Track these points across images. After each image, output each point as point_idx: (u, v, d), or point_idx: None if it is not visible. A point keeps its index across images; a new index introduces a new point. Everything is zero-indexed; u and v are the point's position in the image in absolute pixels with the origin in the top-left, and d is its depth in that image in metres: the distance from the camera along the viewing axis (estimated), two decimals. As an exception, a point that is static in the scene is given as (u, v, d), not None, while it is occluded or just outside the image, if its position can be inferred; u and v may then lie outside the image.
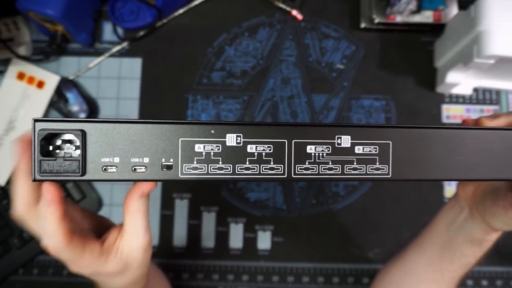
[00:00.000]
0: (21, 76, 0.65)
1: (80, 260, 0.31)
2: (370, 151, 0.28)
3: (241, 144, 0.27)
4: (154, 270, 0.51)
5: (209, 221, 0.63)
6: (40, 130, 0.25)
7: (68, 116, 0.63)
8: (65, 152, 0.26)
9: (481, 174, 0.28)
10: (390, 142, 0.28)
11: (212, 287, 0.61)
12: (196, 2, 0.68)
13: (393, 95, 0.65)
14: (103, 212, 0.63)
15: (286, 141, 0.27)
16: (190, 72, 0.66)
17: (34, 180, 0.26)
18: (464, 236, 0.41)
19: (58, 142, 0.26)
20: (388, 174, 0.28)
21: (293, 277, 0.61)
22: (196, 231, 0.63)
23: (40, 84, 0.64)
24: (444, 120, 0.64)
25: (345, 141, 0.27)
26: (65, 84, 0.64)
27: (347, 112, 0.65)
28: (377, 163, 0.28)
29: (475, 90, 0.65)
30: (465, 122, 0.34)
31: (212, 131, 0.26)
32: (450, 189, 0.63)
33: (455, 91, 0.64)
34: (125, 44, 0.67)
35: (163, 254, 0.62)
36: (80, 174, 0.26)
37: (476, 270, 0.61)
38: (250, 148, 0.27)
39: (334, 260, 0.62)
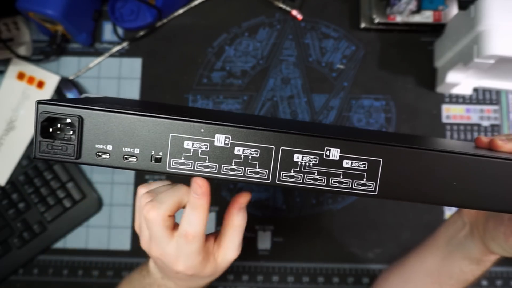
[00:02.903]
0: (21, 76, 0.65)
1: (197, 257, 0.33)
2: (358, 166, 0.27)
3: (229, 146, 0.27)
4: None
5: (209, 221, 0.62)
6: (41, 112, 0.27)
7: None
8: (64, 135, 0.27)
9: (473, 203, 0.27)
10: (381, 159, 0.27)
11: (212, 287, 0.61)
12: (196, 2, 0.68)
13: (393, 95, 0.65)
14: (103, 213, 0.63)
15: (274, 147, 0.27)
16: (190, 72, 0.66)
17: (35, 158, 0.27)
18: (463, 253, 0.41)
19: (58, 126, 0.27)
20: (374, 191, 0.27)
21: (293, 277, 0.61)
22: (196, 231, 0.62)
23: (40, 84, 0.64)
24: (444, 120, 0.64)
25: (334, 153, 0.27)
26: (65, 84, 0.64)
27: (347, 112, 0.65)
28: (364, 179, 0.27)
29: (475, 90, 0.65)
30: (479, 140, 0.33)
31: (202, 130, 0.27)
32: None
33: (455, 91, 0.64)
34: (125, 44, 0.67)
35: (163, 254, 0.62)
36: (74, 157, 0.27)
37: (476, 270, 0.61)
38: (238, 150, 0.27)
39: (334, 260, 0.62)
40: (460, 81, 0.61)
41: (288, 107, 0.65)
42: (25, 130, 0.64)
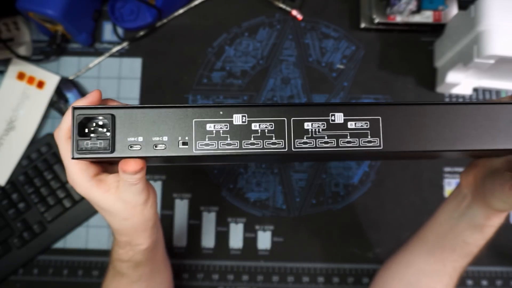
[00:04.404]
0: (21, 76, 0.65)
1: None
2: (361, 126, 0.31)
3: (246, 123, 0.30)
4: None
5: (209, 221, 0.63)
6: (78, 115, 0.30)
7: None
8: (98, 134, 0.30)
9: (468, 144, 0.31)
10: (380, 117, 0.31)
11: (212, 287, 0.61)
12: (196, 2, 0.68)
13: (393, 95, 0.65)
14: (103, 212, 0.63)
15: (285, 119, 0.30)
16: (190, 72, 0.66)
17: (73, 158, 0.30)
18: (467, 223, 0.42)
19: (93, 125, 0.30)
20: (379, 146, 0.31)
21: (293, 277, 0.61)
22: (196, 231, 0.62)
23: (40, 84, 0.64)
24: (444, 120, 0.64)
25: (339, 117, 0.31)
26: (65, 84, 0.64)
27: (347, 112, 0.65)
28: (369, 136, 0.31)
29: (475, 90, 0.65)
30: None
31: (221, 112, 0.30)
32: (450, 189, 0.63)
33: (455, 91, 0.64)
34: (125, 44, 0.67)
35: (163, 254, 0.62)
36: (110, 151, 0.30)
37: (476, 270, 0.61)
38: (254, 126, 0.30)
39: (334, 260, 0.62)
40: (460, 81, 0.61)
41: (288, 107, 0.65)
42: (25, 130, 0.64)
